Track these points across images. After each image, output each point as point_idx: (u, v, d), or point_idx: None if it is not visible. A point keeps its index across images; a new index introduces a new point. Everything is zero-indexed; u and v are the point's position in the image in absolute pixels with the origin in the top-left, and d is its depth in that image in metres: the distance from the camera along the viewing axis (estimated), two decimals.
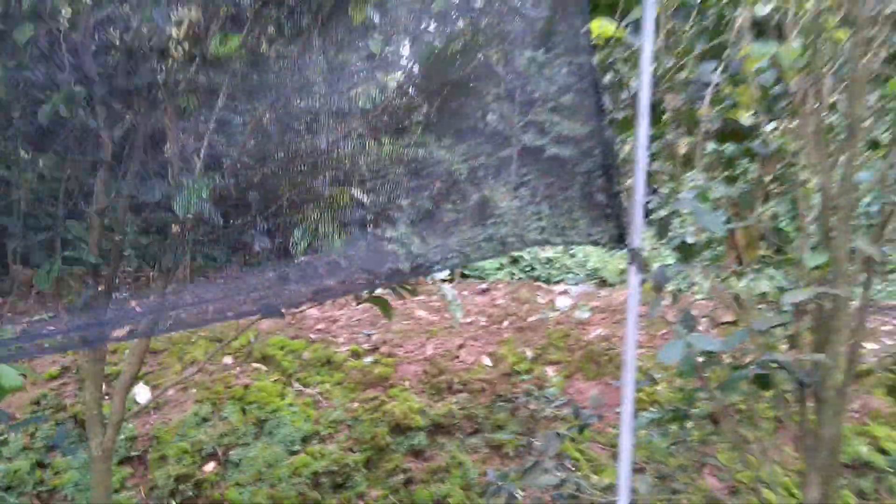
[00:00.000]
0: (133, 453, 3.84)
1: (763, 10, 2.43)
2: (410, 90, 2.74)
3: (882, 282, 6.30)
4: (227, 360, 4.27)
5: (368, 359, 4.45)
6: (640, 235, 2.33)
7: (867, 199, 2.59)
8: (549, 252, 6.65)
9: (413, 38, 2.81)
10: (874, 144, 2.68)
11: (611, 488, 3.79)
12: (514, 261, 6.68)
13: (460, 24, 2.73)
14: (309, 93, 2.43)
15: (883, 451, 4.67)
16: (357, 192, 2.43)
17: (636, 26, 2.54)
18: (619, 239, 2.36)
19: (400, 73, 2.80)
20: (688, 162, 3.07)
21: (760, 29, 2.49)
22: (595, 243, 2.94)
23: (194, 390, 4.08)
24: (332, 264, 2.28)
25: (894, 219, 2.45)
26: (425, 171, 2.75)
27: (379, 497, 3.97)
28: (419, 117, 2.66)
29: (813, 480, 2.64)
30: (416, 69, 2.77)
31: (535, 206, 2.68)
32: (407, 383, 4.35)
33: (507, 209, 2.77)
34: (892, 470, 4.64)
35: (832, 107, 2.64)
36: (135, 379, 2.53)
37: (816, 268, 2.46)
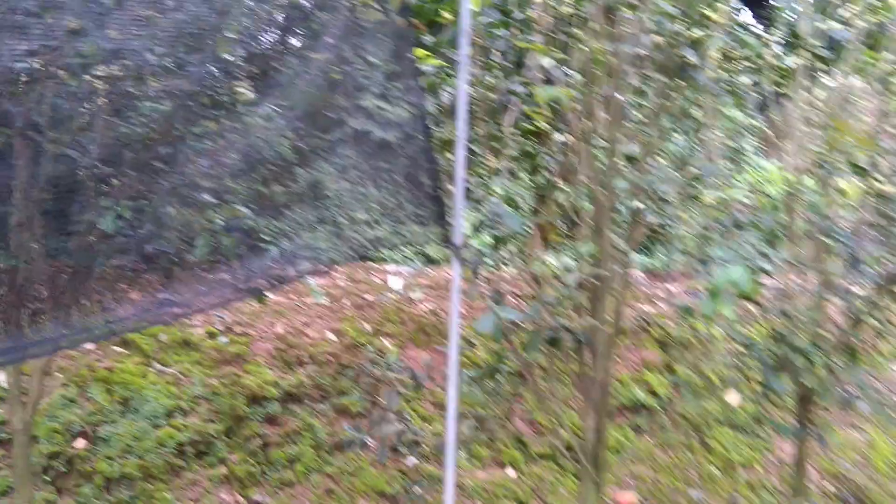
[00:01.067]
0: (3, 436, 4.11)
1: (546, 62, 3.19)
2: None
3: (665, 253, 7.53)
4: (89, 345, 4.57)
5: (223, 339, 4.92)
6: (461, 235, 3.01)
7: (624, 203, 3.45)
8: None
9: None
10: (630, 159, 3.54)
11: (441, 434, 4.54)
12: None
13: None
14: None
15: (655, 394, 5.77)
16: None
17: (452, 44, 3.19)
18: (445, 238, 3.04)
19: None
20: (498, 154, 3.84)
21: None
22: (425, 243, 3.63)
23: (60, 375, 4.37)
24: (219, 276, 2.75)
25: (640, 219, 3.32)
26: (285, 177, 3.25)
27: (239, 460, 4.50)
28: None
29: (590, 415, 3.50)
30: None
31: (372, 216, 3.28)
32: (260, 359, 4.87)
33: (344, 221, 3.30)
34: (661, 409, 5.76)
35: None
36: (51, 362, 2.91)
37: (588, 254, 3.28)
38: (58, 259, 2.53)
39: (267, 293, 3.03)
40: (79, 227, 2.37)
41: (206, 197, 2.69)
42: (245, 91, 2.60)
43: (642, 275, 6.71)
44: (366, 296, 5.54)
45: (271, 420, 4.68)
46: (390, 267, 6.08)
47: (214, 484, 4.35)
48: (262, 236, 2.76)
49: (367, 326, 5.25)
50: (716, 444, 5.59)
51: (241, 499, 4.33)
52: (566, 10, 3.30)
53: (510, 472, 4.95)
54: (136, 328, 3.57)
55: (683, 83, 3.26)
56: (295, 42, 2.81)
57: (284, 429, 4.66)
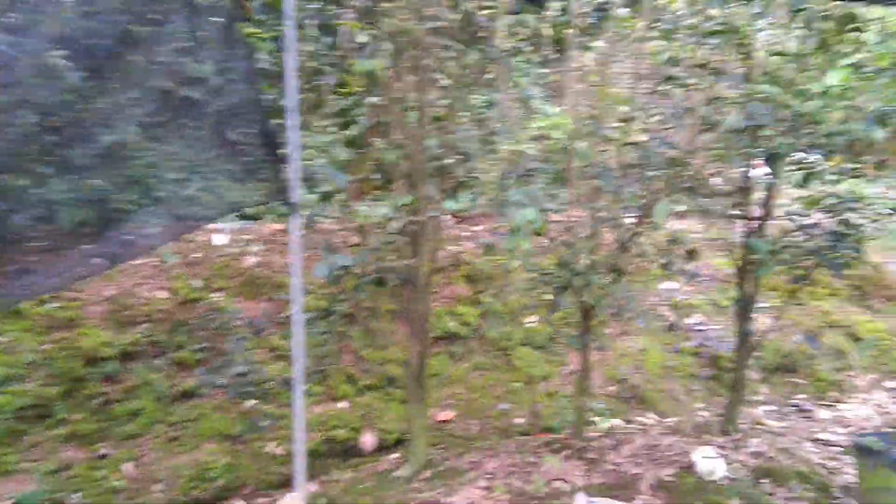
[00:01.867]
0: None
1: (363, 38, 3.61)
2: None
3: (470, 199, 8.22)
4: None
5: (53, 304, 4.96)
6: (297, 191, 3.40)
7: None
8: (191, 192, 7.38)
9: None
10: (437, 119, 4.06)
11: (280, 375, 4.95)
12: None
13: None
14: None
15: (466, 324, 6.46)
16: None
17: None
18: (282, 196, 3.41)
19: None
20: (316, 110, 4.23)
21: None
22: (263, 204, 3.96)
23: None
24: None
25: (448, 171, 3.88)
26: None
27: (81, 419, 4.65)
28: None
29: (413, 344, 4.06)
30: None
31: (207, 184, 3.56)
32: (93, 322, 4.98)
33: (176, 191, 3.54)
34: (471, 336, 6.47)
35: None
36: None
37: (406, 204, 3.79)
38: None
39: (121, 260, 3.26)
40: None
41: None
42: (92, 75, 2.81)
43: (452, 219, 7.36)
44: (193, 255, 5.73)
45: (110, 379, 4.84)
46: (212, 225, 6.27)
47: (58, 442, 4.49)
48: (118, 208, 2.99)
49: (198, 283, 5.47)
50: (519, 362, 6.40)
51: (87, 454, 4.51)
52: None
53: (343, 404, 5.45)
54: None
55: (478, 51, 3.82)
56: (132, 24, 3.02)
57: (124, 385, 4.85)
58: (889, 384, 6.70)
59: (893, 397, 6.56)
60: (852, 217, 4.09)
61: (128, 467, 4.51)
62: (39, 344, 4.76)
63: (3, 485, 4.24)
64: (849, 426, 5.69)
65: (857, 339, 6.99)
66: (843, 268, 4.13)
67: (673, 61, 4.23)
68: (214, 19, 3.42)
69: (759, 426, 5.13)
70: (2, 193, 2.92)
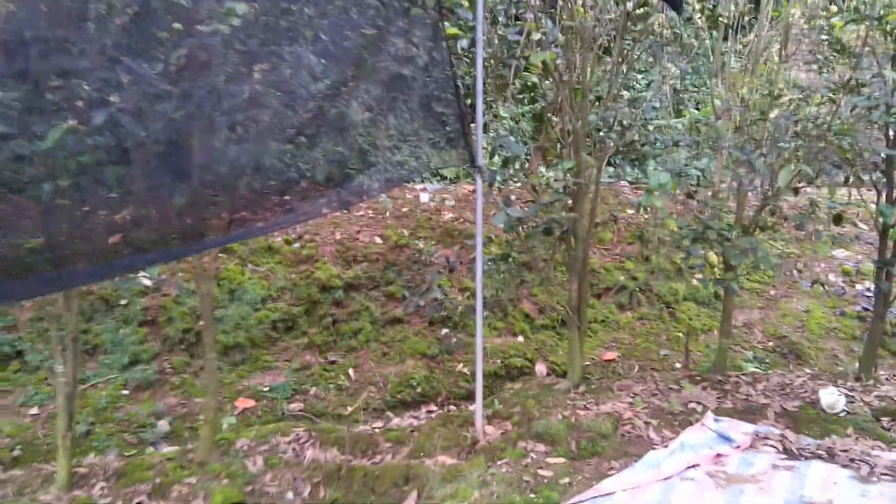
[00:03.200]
0: (147, 318, 5.61)
1: (537, 36, 4.50)
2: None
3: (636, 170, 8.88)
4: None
5: (297, 244, 6.37)
6: (482, 156, 4.38)
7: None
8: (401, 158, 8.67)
9: None
10: (598, 98, 4.88)
11: (470, 300, 6.01)
12: None
13: None
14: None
15: (634, 279, 7.22)
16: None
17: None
18: (470, 160, 4.40)
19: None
20: (502, 91, 5.19)
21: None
22: (454, 166, 5.00)
23: (181, 274, 5.85)
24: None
25: (605, 144, 4.69)
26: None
27: (316, 333, 6.00)
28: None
29: (572, 279, 4.95)
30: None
31: (412, 149, 4.64)
32: (326, 259, 6.33)
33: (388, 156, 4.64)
34: (638, 290, 7.20)
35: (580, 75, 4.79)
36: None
37: (570, 168, 4.65)
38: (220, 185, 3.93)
39: (351, 205, 4.43)
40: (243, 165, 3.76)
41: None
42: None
43: (625, 183, 8.09)
44: (402, 209, 6.95)
45: (337, 303, 6.16)
46: (419, 185, 7.48)
47: (300, 349, 5.87)
48: (351, 167, 4.13)
49: (405, 232, 6.68)
50: (682, 315, 7.07)
51: (321, 359, 5.85)
52: None
53: (520, 338, 6.45)
54: (264, 233, 4.97)
55: (635, 43, 4.59)
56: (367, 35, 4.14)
57: (348, 310, 6.15)
58: None
59: None
60: None
61: (350, 372, 5.80)
62: (287, 273, 6.17)
63: (262, 377, 5.67)
64: None
65: None
66: None
67: (828, 42, 4.74)
68: (425, 20, 4.46)
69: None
70: (280, 157, 4.15)
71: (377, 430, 4.75)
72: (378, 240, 6.59)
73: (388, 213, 6.77)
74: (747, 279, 7.56)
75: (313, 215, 4.53)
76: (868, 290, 7.32)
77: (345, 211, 6.25)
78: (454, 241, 6.64)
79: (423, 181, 7.39)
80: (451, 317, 6.14)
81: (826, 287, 7.24)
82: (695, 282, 7.10)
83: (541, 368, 6.09)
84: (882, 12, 4.42)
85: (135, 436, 4.94)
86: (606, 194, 7.51)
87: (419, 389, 5.75)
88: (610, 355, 6.46)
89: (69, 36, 2.74)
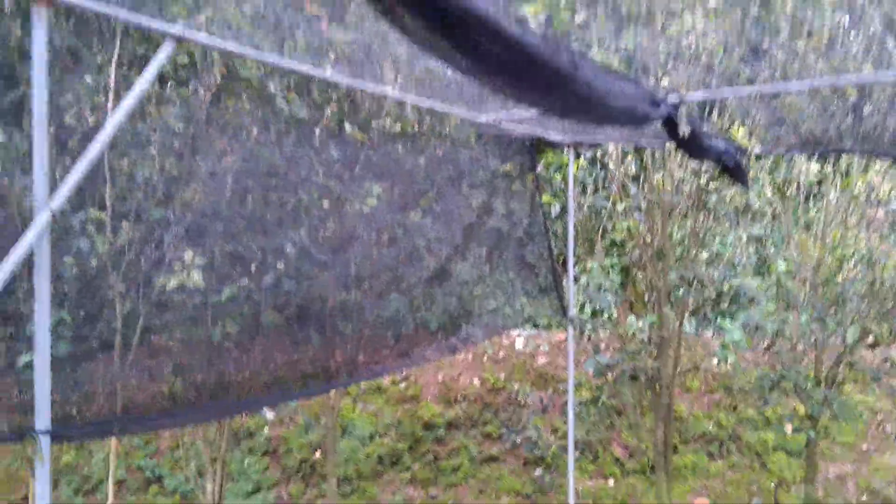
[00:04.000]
0: (269, 449, 6.26)
1: (622, 206, 5.18)
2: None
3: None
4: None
5: (402, 384, 6.99)
6: (573, 309, 4.98)
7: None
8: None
9: None
10: (678, 258, 5.43)
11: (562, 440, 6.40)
12: None
13: None
14: None
15: (722, 427, 7.44)
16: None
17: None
18: (563, 312, 5.00)
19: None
20: (591, 248, 5.81)
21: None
22: (544, 314, 5.61)
23: (300, 409, 6.54)
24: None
25: (685, 299, 5.22)
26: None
27: (419, 468, 6.49)
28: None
29: (658, 425, 5.34)
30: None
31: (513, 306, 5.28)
32: (429, 398, 6.91)
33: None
34: (727, 438, 7.40)
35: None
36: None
37: (653, 321, 5.17)
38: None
39: (457, 351, 5.06)
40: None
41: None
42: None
43: (707, 335, 8.44)
44: (499, 353, 7.54)
45: (439, 441, 6.67)
46: (514, 332, 8.09)
47: (404, 483, 6.35)
48: (459, 317, 4.79)
49: (502, 374, 7.23)
50: (773, 465, 7.20)
51: (422, 493, 6.30)
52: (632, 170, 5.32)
53: (610, 482, 6.74)
54: (385, 374, 5.65)
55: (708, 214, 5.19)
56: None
57: (448, 447, 6.64)
58: None
59: None
60: None
61: None
62: (393, 412, 6.77)
63: None
64: None
65: None
66: None
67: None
68: (524, 192, 5.23)
69: None
70: (402, 310, 4.85)
71: None
72: (476, 381, 7.15)
73: (486, 358, 7.36)
74: (839, 434, 7.64)
75: (427, 360, 5.17)
76: None
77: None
78: (547, 384, 7.12)
79: (519, 329, 7.99)
80: (543, 457, 6.53)
81: None
82: (788, 430, 7.27)
83: None
84: None
85: None
86: (694, 344, 7.89)
87: None
88: (701, 501, 6.63)
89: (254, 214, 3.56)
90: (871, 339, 4.85)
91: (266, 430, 6.34)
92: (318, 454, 6.33)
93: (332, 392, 5.13)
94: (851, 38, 3.41)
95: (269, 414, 6.49)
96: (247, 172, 3.53)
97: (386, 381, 7.02)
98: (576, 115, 3.15)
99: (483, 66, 2.11)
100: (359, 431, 6.50)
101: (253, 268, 3.65)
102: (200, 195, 3.34)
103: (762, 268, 5.37)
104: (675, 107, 3.32)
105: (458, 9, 1.76)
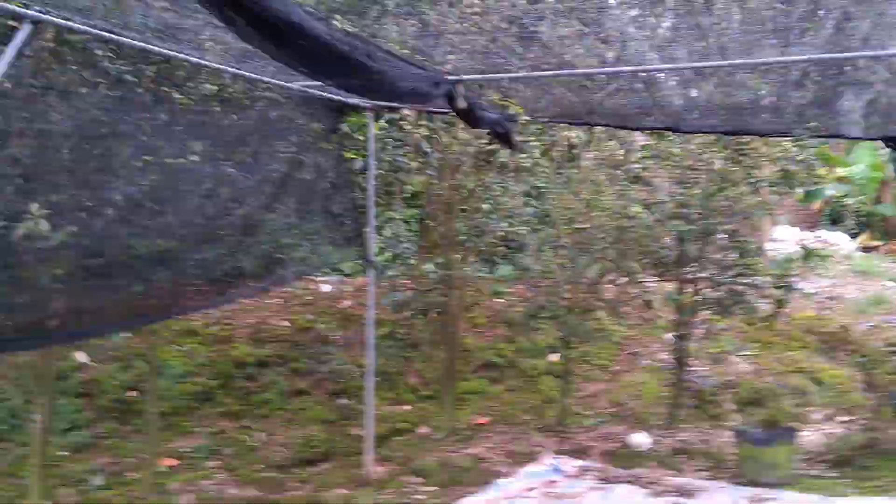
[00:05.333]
0: (82, 391, 6.52)
1: (415, 164, 5.94)
2: None
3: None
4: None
5: (215, 327, 7.45)
6: (373, 252, 5.69)
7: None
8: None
9: None
10: (463, 210, 6.31)
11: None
12: None
13: None
14: None
15: (503, 356, 8.57)
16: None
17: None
18: (365, 257, 5.70)
19: None
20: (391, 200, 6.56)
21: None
22: (349, 260, 6.31)
23: (111, 353, 6.82)
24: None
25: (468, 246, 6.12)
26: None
27: (231, 403, 7.02)
28: None
29: (446, 354, 6.25)
30: None
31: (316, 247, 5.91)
32: (240, 340, 7.42)
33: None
34: (506, 365, 8.55)
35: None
36: None
37: (441, 263, 6.02)
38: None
39: (269, 292, 5.63)
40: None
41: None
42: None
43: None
44: (307, 297, 8.17)
45: (250, 378, 7.23)
46: (322, 277, 8.73)
47: (217, 417, 6.87)
48: (270, 263, 5.37)
49: (310, 317, 7.88)
50: (543, 387, 8.44)
51: (236, 425, 6.86)
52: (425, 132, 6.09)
53: (407, 407, 7.63)
54: (193, 311, 6.06)
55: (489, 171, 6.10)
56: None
57: (259, 383, 7.22)
58: (842, 418, 8.34)
59: (844, 428, 8.20)
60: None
61: (261, 435, 6.82)
62: (207, 352, 7.22)
63: (183, 440, 6.62)
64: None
65: (819, 382, 8.67)
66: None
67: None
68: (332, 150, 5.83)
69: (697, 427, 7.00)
70: (210, 252, 5.33)
71: (286, 476, 5.81)
72: (285, 323, 7.75)
73: (295, 302, 7.96)
74: (597, 358, 9.04)
75: (241, 298, 5.70)
76: (693, 366, 8.92)
77: (259, 299, 7.41)
78: (351, 323, 7.86)
79: (325, 275, 8.64)
80: (347, 388, 7.29)
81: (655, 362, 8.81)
82: (553, 357, 8.52)
83: (422, 430, 7.28)
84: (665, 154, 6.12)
85: (73, 489, 5.80)
86: (478, 284, 8.94)
87: (320, 449, 6.82)
88: (482, 420, 7.71)
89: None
90: (614, 275, 6.01)
91: (79, 373, 6.58)
92: (132, 394, 6.68)
93: (148, 333, 5.53)
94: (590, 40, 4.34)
95: (83, 356, 6.73)
96: (74, 130, 3.88)
97: (198, 323, 7.43)
98: (371, 94, 3.83)
99: (295, 56, 2.71)
100: (173, 371, 6.90)
101: (82, 216, 4.02)
102: (32, 150, 3.68)
103: (541, 218, 6.37)
104: (453, 85, 4.09)
105: (272, 15, 2.36)
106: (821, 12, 3.36)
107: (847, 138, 7.16)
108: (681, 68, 4.19)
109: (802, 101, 4.88)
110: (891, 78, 4.09)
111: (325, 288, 8.41)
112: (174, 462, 6.28)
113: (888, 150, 5.84)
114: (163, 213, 4.51)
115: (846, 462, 6.25)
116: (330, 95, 5.22)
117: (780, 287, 6.54)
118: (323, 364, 7.03)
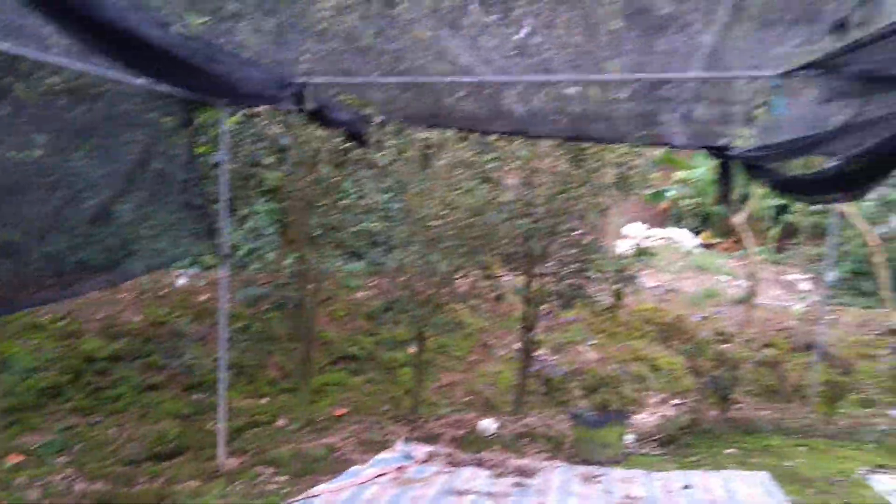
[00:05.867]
0: None
1: (271, 159, 6.02)
2: None
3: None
4: None
5: (63, 321, 7.23)
6: (227, 245, 5.74)
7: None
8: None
9: None
10: (317, 206, 6.45)
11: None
12: None
13: None
14: None
15: (363, 349, 8.76)
16: None
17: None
18: (220, 251, 5.73)
19: None
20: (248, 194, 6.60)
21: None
22: (207, 253, 6.31)
23: None
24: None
25: (323, 241, 6.27)
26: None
27: (81, 398, 6.85)
28: None
29: (301, 346, 6.38)
30: None
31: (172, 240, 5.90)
32: (90, 334, 7.24)
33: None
34: (367, 357, 8.75)
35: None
36: None
37: (297, 258, 6.13)
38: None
39: (115, 285, 5.55)
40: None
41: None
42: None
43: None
44: (161, 291, 8.04)
45: (101, 372, 7.08)
46: (177, 271, 8.61)
47: (67, 413, 6.69)
48: (119, 255, 5.31)
49: (164, 310, 7.77)
50: (401, 377, 8.70)
51: (86, 420, 6.71)
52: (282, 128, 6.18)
53: (264, 400, 7.69)
54: (39, 305, 5.88)
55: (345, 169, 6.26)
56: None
57: (111, 378, 7.08)
58: (674, 401, 9.08)
59: (676, 410, 8.94)
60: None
61: (112, 430, 6.71)
62: (55, 347, 7.01)
63: (32, 436, 6.42)
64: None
65: (656, 369, 9.40)
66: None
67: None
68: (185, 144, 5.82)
69: (542, 412, 7.47)
70: (55, 245, 5.23)
71: (137, 470, 5.77)
72: (139, 317, 7.62)
73: (149, 295, 7.83)
74: (455, 349, 9.40)
75: (89, 291, 5.60)
76: (543, 355, 9.45)
77: (111, 293, 7.26)
78: (207, 317, 7.82)
79: (182, 268, 8.54)
80: (202, 382, 7.27)
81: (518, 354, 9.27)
82: (411, 349, 8.79)
83: (280, 422, 7.37)
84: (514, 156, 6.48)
85: None
86: (334, 277, 9.09)
87: (174, 444, 6.78)
88: (340, 411, 7.87)
89: None
90: (466, 270, 6.33)
91: None
92: None
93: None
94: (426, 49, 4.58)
95: None
96: None
97: (45, 318, 7.20)
98: (215, 95, 3.92)
99: (134, 61, 2.79)
100: (19, 366, 6.67)
101: None
102: None
103: (399, 214, 6.59)
104: (302, 87, 4.24)
105: (105, 22, 2.44)
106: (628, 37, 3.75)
107: (674, 147, 7.81)
108: (515, 80, 4.51)
109: (631, 114, 5.36)
110: (694, 97, 4.59)
111: (181, 281, 8.31)
112: (20, 458, 6.09)
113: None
114: (3, 205, 4.42)
115: (672, 441, 6.86)
116: (175, 93, 5.22)
117: (618, 281, 7.06)
118: (177, 358, 6.98)
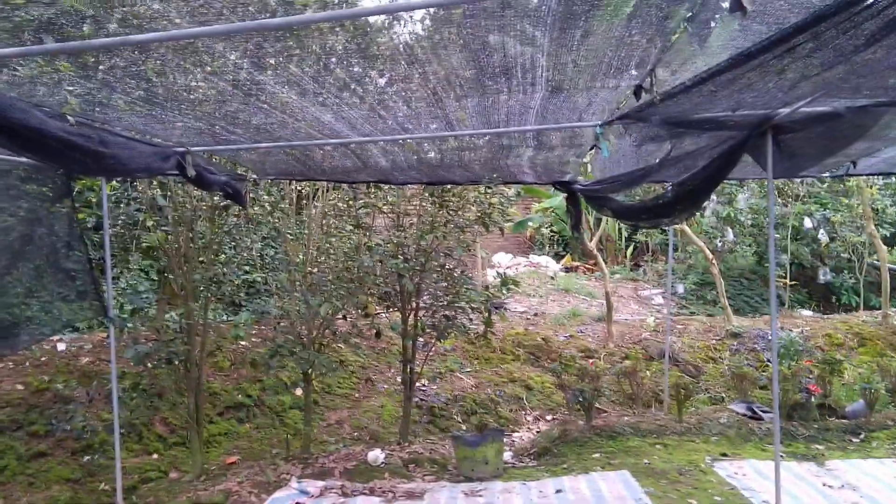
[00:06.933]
0: None
1: (150, 222, 6.29)
2: None
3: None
4: None
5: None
6: (112, 308, 5.95)
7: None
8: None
9: None
10: (201, 262, 6.75)
11: (105, 421, 7.25)
12: None
13: None
14: None
15: (249, 396, 8.99)
16: None
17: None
18: (104, 312, 5.92)
19: None
20: (127, 255, 6.80)
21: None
22: (91, 318, 6.45)
23: None
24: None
25: (207, 294, 6.56)
26: None
27: None
28: None
29: (189, 398, 6.61)
30: None
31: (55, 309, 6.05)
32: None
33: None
34: (253, 405, 8.98)
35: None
36: None
37: (181, 313, 6.40)
38: None
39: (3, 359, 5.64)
40: None
41: None
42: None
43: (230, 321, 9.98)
44: (42, 357, 8.01)
45: None
46: (55, 337, 8.58)
47: None
48: (5, 325, 5.42)
49: (45, 377, 7.76)
50: (290, 420, 8.99)
51: None
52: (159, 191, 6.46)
53: (154, 456, 7.79)
54: None
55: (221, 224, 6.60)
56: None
57: None
58: (548, 417, 9.82)
59: (549, 425, 9.67)
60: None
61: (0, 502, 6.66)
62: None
63: None
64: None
65: (529, 388, 10.12)
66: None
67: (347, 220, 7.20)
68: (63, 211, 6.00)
69: (427, 438, 7.97)
70: None
71: None
72: (20, 386, 7.57)
73: (28, 364, 7.79)
74: (339, 388, 9.77)
75: None
76: (424, 385, 9.98)
77: None
78: (92, 379, 7.87)
79: (62, 334, 8.52)
80: (91, 444, 7.32)
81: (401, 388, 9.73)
82: (298, 392, 9.10)
83: (173, 475, 7.51)
84: (379, 202, 7.02)
85: None
86: (218, 329, 9.30)
87: None
88: (231, 459, 8.07)
89: None
90: (344, 312, 6.78)
91: None
92: None
93: None
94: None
95: None
96: None
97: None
98: (108, 174, 4.25)
99: (38, 154, 3.13)
100: None
101: None
102: None
103: (281, 264, 6.96)
104: (182, 156, 4.62)
105: (15, 124, 2.81)
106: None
107: (526, 184, 8.61)
108: (370, 140, 5.06)
109: (483, 158, 6.03)
110: (537, 144, 5.30)
111: (61, 346, 8.30)
112: None
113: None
114: None
115: (545, 452, 7.52)
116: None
117: (487, 310, 7.70)
118: (66, 423, 7.01)
